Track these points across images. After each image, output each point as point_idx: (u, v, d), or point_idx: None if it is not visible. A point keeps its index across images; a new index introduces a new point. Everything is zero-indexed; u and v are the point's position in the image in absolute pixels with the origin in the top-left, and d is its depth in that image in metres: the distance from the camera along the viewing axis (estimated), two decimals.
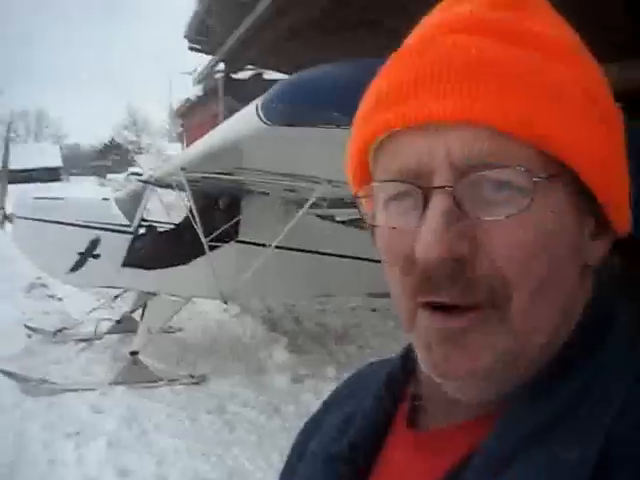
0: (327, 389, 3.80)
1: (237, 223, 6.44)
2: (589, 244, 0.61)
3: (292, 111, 2.66)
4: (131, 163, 36.50)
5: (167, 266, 6.21)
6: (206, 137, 4.35)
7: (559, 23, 0.64)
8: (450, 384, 0.61)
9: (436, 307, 0.57)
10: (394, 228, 0.60)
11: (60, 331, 7.28)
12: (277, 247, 5.72)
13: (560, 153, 0.56)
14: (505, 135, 0.54)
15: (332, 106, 2.41)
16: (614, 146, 0.61)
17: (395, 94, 0.59)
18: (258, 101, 2.89)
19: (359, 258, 6.46)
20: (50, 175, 54.26)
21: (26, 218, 6.34)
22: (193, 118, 22.27)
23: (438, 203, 0.55)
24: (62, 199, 7.05)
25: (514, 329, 0.56)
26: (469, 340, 0.57)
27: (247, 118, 3.12)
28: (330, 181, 4.59)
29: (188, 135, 24.66)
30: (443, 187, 0.56)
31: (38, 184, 35.62)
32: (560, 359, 0.58)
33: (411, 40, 0.65)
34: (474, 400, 0.61)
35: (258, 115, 2.85)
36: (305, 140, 3.10)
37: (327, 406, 0.85)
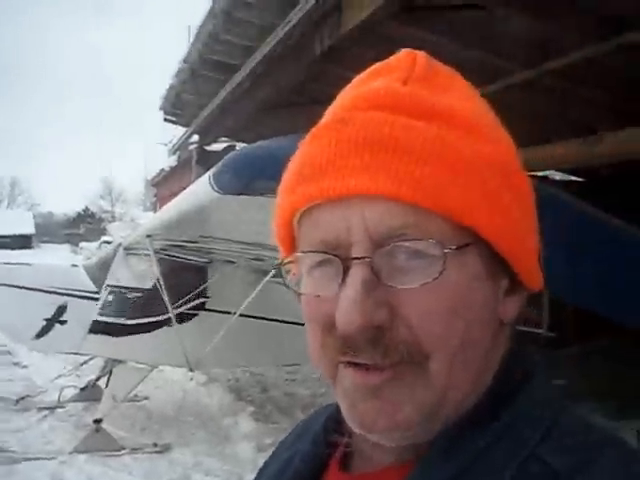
0: None
1: (204, 291, 6.47)
2: (503, 302, 0.64)
3: (241, 181, 2.78)
4: (104, 232, 36.34)
5: (133, 333, 6.20)
6: (168, 205, 4.45)
7: (470, 96, 0.68)
8: (378, 437, 0.63)
9: (356, 364, 0.60)
10: (317, 296, 0.63)
11: (23, 399, 7.15)
12: (244, 315, 5.74)
13: (468, 223, 0.60)
14: (416, 207, 0.58)
15: (275, 176, 2.53)
16: (522, 213, 0.65)
17: (315, 168, 0.62)
18: (210, 172, 3.02)
19: None
20: (22, 242, 53.74)
21: None
22: (166, 188, 22.39)
23: (357, 273, 0.58)
24: (30, 265, 7.07)
25: (432, 385, 0.59)
26: (389, 394, 0.59)
27: (201, 188, 3.25)
28: None
29: (161, 204, 24.72)
30: (361, 258, 0.59)
31: (9, 251, 35.27)
32: (475, 412, 0.62)
33: (331, 115, 0.68)
34: (396, 446, 0.64)
35: (211, 185, 2.97)
36: (260, 209, 3.18)
37: (273, 454, 0.88)
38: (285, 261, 0.69)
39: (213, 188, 2.96)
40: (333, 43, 5.57)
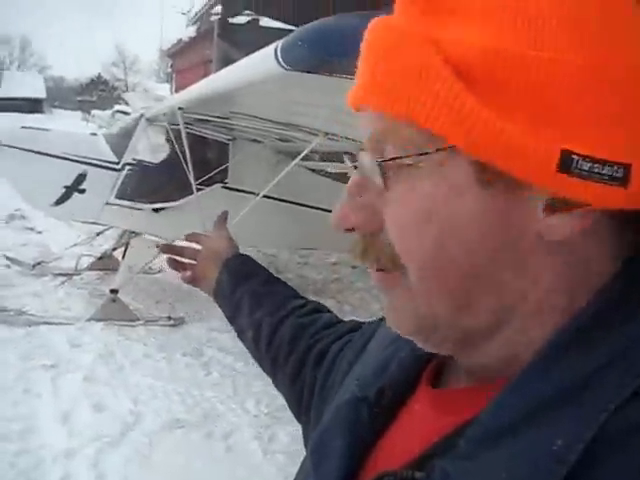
0: None
1: (225, 169, 6.38)
2: (542, 220, 0.53)
3: (311, 57, 2.61)
4: (117, 101, 35.93)
5: (154, 202, 6.17)
6: (212, 77, 4.27)
7: None
8: None
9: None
10: None
11: (39, 264, 7.23)
12: (265, 196, 5.69)
13: (437, 132, 0.53)
14: (386, 114, 0.55)
15: (351, 55, 2.39)
16: (503, 121, 0.53)
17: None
18: (277, 44, 2.82)
19: None
20: (32, 106, 53.29)
21: (12, 146, 6.23)
22: (184, 59, 21.88)
23: (351, 178, 0.60)
24: (50, 130, 6.95)
25: (413, 295, 0.58)
26: (390, 299, 0.61)
27: (265, 60, 3.04)
28: (327, 134, 4.55)
29: (177, 76, 24.28)
30: (355, 164, 0.60)
31: (22, 114, 35.00)
32: (577, 333, 0.54)
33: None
34: (481, 366, 0.60)
35: (277, 59, 2.78)
36: (320, 89, 3.05)
37: (374, 334, 0.87)
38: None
39: (279, 62, 2.77)
40: None
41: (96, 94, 65.15)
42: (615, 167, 0.49)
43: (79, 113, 46.30)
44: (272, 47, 2.87)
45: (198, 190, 5.77)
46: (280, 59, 2.78)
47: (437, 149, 0.53)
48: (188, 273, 1.28)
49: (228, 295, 1.19)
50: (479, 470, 0.51)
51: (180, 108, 5.09)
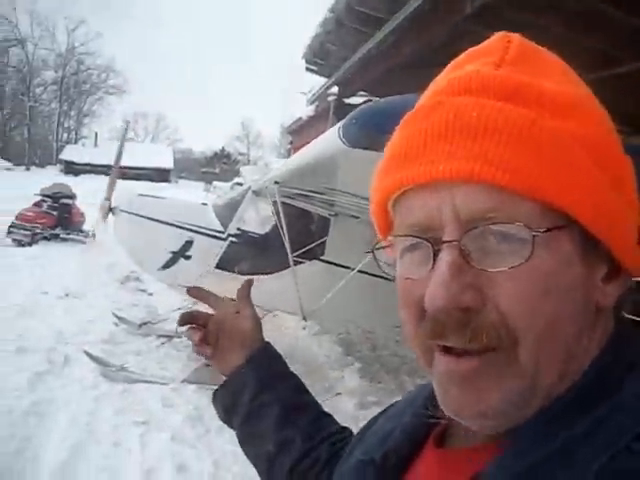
0: None
1: (323, 243, 6.52)
2: (601, 288, 0.62)
3: (368, 135, 2.71)
4: (238, 173, 37.42)
5: (253, 274, 6.35)
6: (297, 154, 4.46)
7: (568, 80, 0.66)
8: (470, 423, 0.65)
9: (448, 349, 0.63)
10: (409, 279, 0.66)
11: (145, 324, 7.56)
12: (361, 272, 5.73)
13: (558, 205, 0.59)
14: (505, 190, 0.58)
15: None
16: (618, 195, 0.62)
17: (406, 154, 0.65)
18: (340, 123, 2.96)
19: None
20: (160, 176, 56.43)
21: (128, 212, 6.64)
22: (302, 136, 22.62)
23: (446, 256, 0.60)
24: (164, 198, 7.37)
25: (521, 371, 0.59)
26: (479, 382, 0.61)
27: (330, 139, 3.19)
28: None
29: (295, 152, 25.08)
30: (450, 241, 0.61)
31: (149, 183, 37.04)
32: (574, 398, 0.59)
33: (423, 100, 0.71)
34: (488, 432, 0.64)
35: (339, 136, 2.92)
36: None
37: (382, 414, 0.91)
38: (379, 245, 0.72)
39: (341, 140, 2.91)
40: (485, 2, 5.37)
41: (219, 166, 68.05)
42: None
43: (202, 184, 48.43)
44: (337, 126, 3.01)
45: (296, 263, 5.92)
46: (342, 137, 2.90)
47: (556, 226, 0.60)
48: (208, 350, 1.15)
49: (248, 396, 1.10)
50: None
51: (276, 182, 5.29)
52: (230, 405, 1.13)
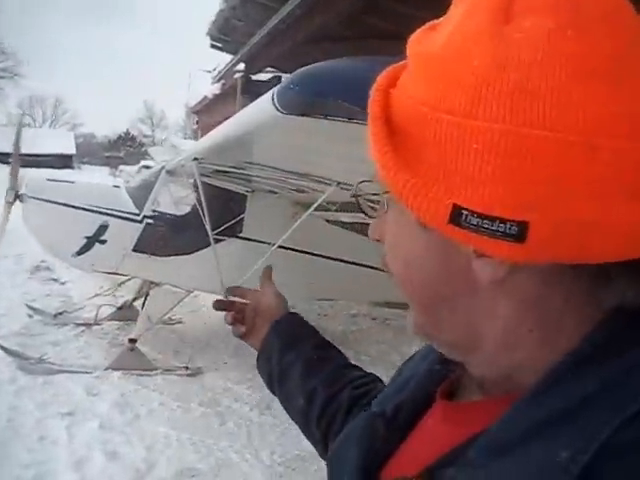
0: None
1: (241, 220, 6.47)
2: (476, 261, 0.58)
3: (307, 101, 2.67)
4: (144, 156, 36.53)
5: (171, 255, 6.25)
6: (220, 127, 4.35)
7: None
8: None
9: None
10: None
11: (61, 314, 7.33)
12: (281, 247, 5.72)
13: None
14: None
15: (344, 97, 2.43)
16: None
17: None
18: (274, 90, 2.90)
19: (364, 265, 6.49)
20: (62, 162, 54.43)
21: (37, 198, 6.38)
22: (209, 116, 22.28)
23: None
24: (73, 182, 7.13)
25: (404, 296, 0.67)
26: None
27: (262, 106, 3.12)
28: (339, 183, 4.60)
29: (203, 132, 24.68)
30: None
31: (51, 170, 35.74)
32: (578, 356, 0.57)
33: None
34: (493, 381, 0.64)
35: (273, 103, 2.86)
36: (318, 135, 3.12)
37: (410, 359, 0.90)
38: None
39: (275, 106, 2.84)
40: None
41: (124, 150, 66.36)
42: (508, 224, 0.51)
43: (107, 169, 47.14)
44: (270, 92, 2.95)
45: (216, 241, 5.85)
46: (276, 103, 2.84)
47: (384, 192, 0.64)
48: (242, 328, 1.26)
49: (276, 359, 1.16)
50: (487, 478, 0.54)
51: (195, 159, 5.20)
52: (267, 373, 1.18)
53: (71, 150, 61.07)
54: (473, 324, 0.61)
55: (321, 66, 2.62)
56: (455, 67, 0.53)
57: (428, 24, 0.61)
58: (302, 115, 2.79)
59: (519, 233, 0.51)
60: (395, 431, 0.75)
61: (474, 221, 0.52)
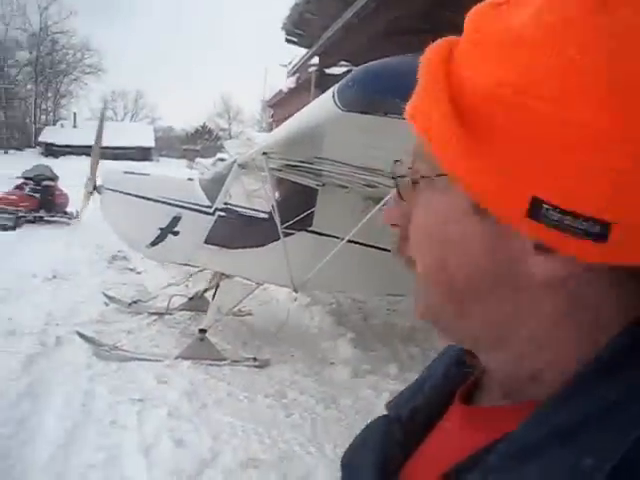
0: (387, 387, 3.87)
1: (312, 213, 6.49)
2: (534, 257, 0.55)
3: (366, 98, 2.65)
4: (220, 149, 37.13)
5: (242, 248, 6.32)
6: (286, 122, 4.36)
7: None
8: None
9: None
10: None
11: (135, 302, 7.56)
12: (351, 241, 5.71)
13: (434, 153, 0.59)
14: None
15: (402, 96, 2.41)
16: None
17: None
18: (335, 86, 2.90)
19: None
20: (142, 154, 55.81)
21: (114, 190, 6.58)
22: (283, 109, 22.44)
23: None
24: (148, 175, 7.30)
25: (421, 289, 0.65)
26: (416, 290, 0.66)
27: (324, 103, 3.12)
28: None
29: (277, 126, 24.90)
30: (397, 177, 0.68)
31: (131, 162, 36.72)
32: (603, 363, 0.55)
33: None
34: (511, 385, 0.62)
35: (334, 100, 2.85)
36: (380, 132, 3.07)
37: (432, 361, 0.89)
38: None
39: (336, 104, 2.83)
40: None
41: (200, 143, 67.53)
42: (591, 222, 0.49)
43: (184, 161, 48.06)
44: (332, 89, 2.93)
45: (286, 235, 5.90)
46: (337, 100, 2.83)
47: (437, 174, 0.59)
48: None
49: None
50: None
51: (264, 153, 5.23)
52: None
53: (150, 143, 62.49)
54: (506, 318, 0.59)
55: (380, 64, 2.59)
56: (546, 52, 0.50)
57: (489, 1, 0.59)
58: (362, 113, 2.77)
59: (601, 232, 0.49)
60: (411, 435, 0.73)
61: (555, 216, 0.50)
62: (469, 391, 0.72)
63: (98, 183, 6.71)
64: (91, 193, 6.75)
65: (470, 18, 0.59)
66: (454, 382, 0.74)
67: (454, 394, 0.73)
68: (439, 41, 0.61)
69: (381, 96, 2.55)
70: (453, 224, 0.59)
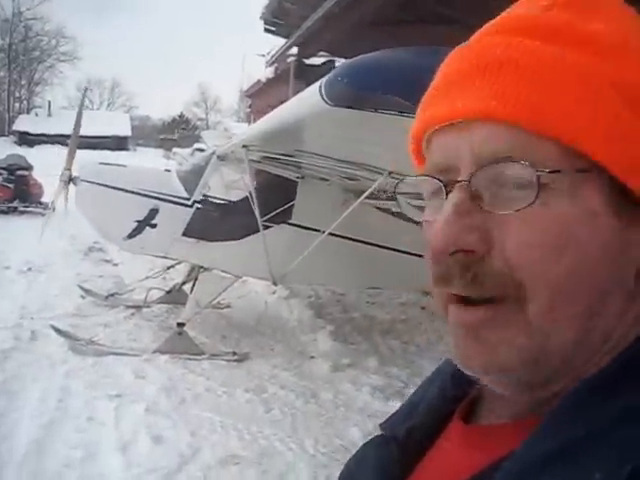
0: (367, 381, 3.84)
1: (291, 206, 6.44)
2: None
3: (354, 94, 2.62)
4: (198, 139, 36.89)
5: (220, 240, 6.26)
6: (269, 115, 4.32)
7: (622, 18, 0.61)
8: (484, 379, 0.61)
9: (459, 299, 0.58)
10: (426, 221, 0.62)
11: (112, 295, 7.47)
12: (331, 234, 5.67)
13: (580, 149, 0.55)
14: (524, 130, 0.55)
15: (394, 92, 2.36)
16: None
17: (436, 93, 0.62)
18: (322, 81, 2.85)
19: (414, 254, 6.39)
20: (118, 144, 55.26)
21: (89, 182, 6.47)
22: (262, 99, 22.38)
23: (452, 197, 0.57)
24: (125, 166, 7.19)
25: (530, 327, 0.55)
26: (484, 333, 0.57)
27: (310, 97, 3.08)
28: (390, 173, 4.52)
29: (255, 116, 24.81)
30: (460, 181, 0.57)
31: (107, 152, 36.40)
32: (612, 372, 0.55)
33: (469, 40, 0.67)
34: (517, 401, 0.61)
35: (321, 95, 2.81)
36: (368, 127, 3.03)
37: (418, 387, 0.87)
38: (400, 189, 0.70)
39: (322, 98, 2.79)
40: None
41: (178, 133, 67.04)
42: None
43: (161, 151, 47.69)
44: (318, 83, 2.89)
45: (265, 228, 5.84)
46: (324, 95, 2.79)
47: (577, 169, 0.54)
48: None
49: None
50: None
51: (244, 146, 5.17)
52: None
53: (127, 132, 61.90)
54: (603, 327, 0.57)
55: (369, 58, 2.55)
56: None
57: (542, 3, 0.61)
58: (350, 108, 2.73)
59: None
60: (409, 454, 0.72)
61: None
62: (467, 409, 0.71)
63: (74, 174, 6.60)
64: (67, 183, 6.63)
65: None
66: (450, 401, 0.73)
67: (451, 413, 0.72)
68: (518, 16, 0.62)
69: (372, 92, 2.51)
70: (586, 228, 0.54)
